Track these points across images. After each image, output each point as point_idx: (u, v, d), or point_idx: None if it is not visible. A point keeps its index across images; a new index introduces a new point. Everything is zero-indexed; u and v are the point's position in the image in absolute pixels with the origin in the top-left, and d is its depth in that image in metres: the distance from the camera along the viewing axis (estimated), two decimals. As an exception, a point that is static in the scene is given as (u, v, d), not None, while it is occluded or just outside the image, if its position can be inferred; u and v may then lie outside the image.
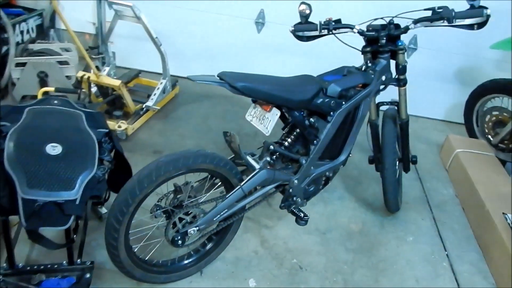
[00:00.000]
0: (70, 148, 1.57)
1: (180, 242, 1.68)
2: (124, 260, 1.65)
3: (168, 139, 2.92)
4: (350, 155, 2.10)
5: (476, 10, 1.84)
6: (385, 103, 2.29)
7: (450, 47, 3.37)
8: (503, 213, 2.28)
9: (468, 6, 1.89)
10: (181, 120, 3.18)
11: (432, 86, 3.58)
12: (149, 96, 3.04)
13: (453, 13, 1.86)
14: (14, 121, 1.60)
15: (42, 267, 1.68)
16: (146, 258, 1.80)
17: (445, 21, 1.88)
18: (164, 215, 1.71)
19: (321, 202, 2.52)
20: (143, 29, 2.81)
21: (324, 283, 1.99)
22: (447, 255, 2.27)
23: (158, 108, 3.05)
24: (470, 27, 1.90)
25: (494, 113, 2.99)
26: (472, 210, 2.53)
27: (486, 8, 1.83)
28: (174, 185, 1.73)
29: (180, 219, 1.70)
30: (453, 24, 1.89)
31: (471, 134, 3.24)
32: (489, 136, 3.07)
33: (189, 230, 1.68)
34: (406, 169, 2.49)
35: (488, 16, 1.83)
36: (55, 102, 1.77)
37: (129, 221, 1.61)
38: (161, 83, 3.07)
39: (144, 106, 2.94)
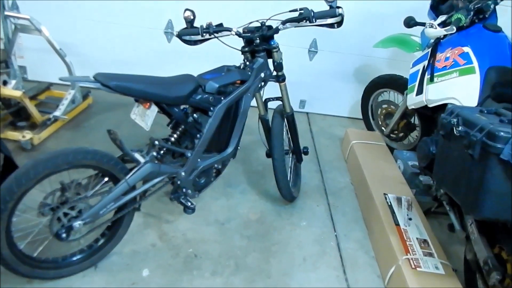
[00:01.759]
0: None
1: (64, 236, 1.75)
2: (7, 257, 1.69)
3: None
4: (239, 148, 2.26)
5: (331, 10, 2.05)
6: (271, 99, 2.49)
7: (346, 48, 3.66)
8: (384, 193, 2.53)
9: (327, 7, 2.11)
10: (92, 128, 3.23)
11: (335, 85, 3.86)
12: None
13: (312, 13, 2.06)
14: None
15: None
16: (35, 255, 1.85)
17: (307, 21, 2.10)
18: (52, 212, 1.78)
19: (223, 196, 2.66)
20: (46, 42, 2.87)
21: (216, 267, 2.12)
22: (335, 235, 2.47)
23: (67, 118, 3.09)
24: (331, 26, 2.12)
25: (384, 106, 3.28)
26: (361, 194, 2.78)
27: (340, 7, 2.06)
28: (60, 183, 1.81)
29: (66, 214, 1.77)
30: (315, 23, 2.11)
31: (369, 127, 3.53)
32: (383, 128, 3.36)
33: (73, 224, 1.76)
34: (299, 160, 2.69)
35: (341, 15, 2.06)
36: None
37: (9, 218, 1.66)
38: (70, 93, 3.12)
39: (51, 116, 2.97)
